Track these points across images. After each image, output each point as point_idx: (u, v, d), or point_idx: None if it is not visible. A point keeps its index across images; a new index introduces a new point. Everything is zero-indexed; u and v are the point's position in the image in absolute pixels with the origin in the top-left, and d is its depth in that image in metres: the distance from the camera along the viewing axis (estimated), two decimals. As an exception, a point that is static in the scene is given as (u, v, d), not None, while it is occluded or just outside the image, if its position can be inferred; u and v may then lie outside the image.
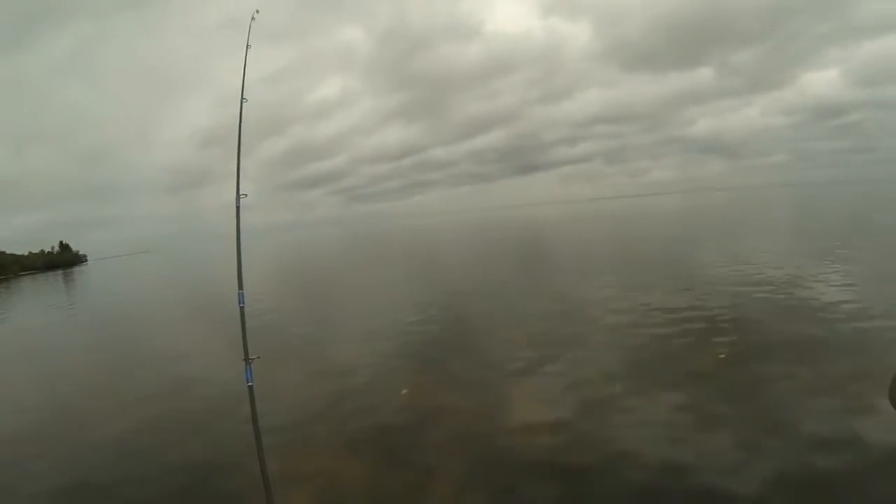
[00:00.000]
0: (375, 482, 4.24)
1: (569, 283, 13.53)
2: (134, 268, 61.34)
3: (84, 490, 4.62)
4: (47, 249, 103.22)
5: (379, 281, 18.22)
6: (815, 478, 3.63)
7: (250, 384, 2.68)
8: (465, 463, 4.38)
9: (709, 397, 5.18)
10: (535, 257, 22.32)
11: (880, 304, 7.91)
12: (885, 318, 7.20)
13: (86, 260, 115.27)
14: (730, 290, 10.01)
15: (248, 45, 3.71)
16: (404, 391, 6.21)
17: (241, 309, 2.80)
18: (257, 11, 3.91)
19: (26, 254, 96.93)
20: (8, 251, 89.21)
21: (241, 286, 2.80)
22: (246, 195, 2.95)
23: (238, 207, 2.93)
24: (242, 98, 3.27)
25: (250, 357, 2.70)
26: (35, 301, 29.56)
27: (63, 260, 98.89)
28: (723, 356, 6.29)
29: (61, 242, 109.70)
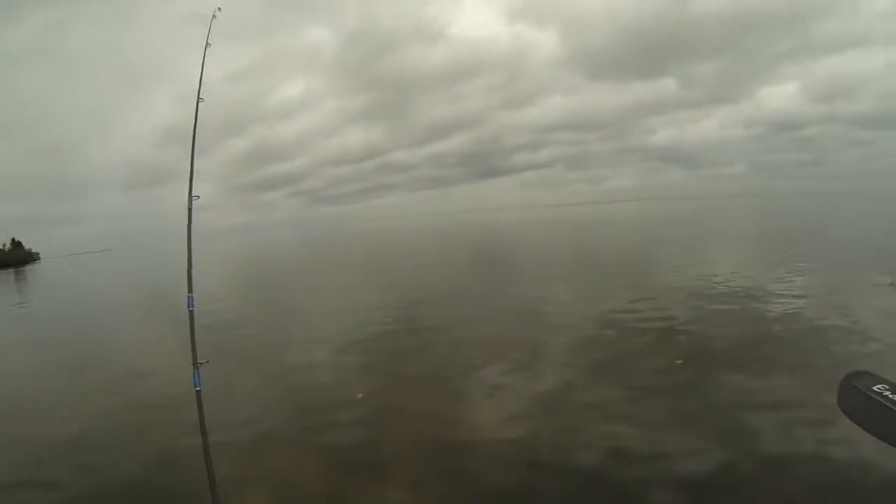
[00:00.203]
0: (330, 485, 4.21)
1: (527, 288, 13.74)
2: (91, 267, 58.90)
3: (22, 490, 4.47)
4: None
5: (337, 285, 18.14)
6: (763, 481, 3.74)
7: (198, 389, 2.63)
8: (421, 464, 4.41)
9: (664, 402, 5.33)
10: (494, 262, 22.57)
11: (831, 312, 8.27)
12: (835, 326, 7.52)
13: (39, 258, 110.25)
14: (687, 298, 10.34)
15: (207, 44, 3.63)
16: (360, 395, 6.19)
17: (191, 313, 2.74)
18: (219, 9, 3.83)
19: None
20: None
21: (190, 289, 2.75)
22: (198, 197, 2.90)
23: (190, 209, 2.87)
24: (199, 98, 3.22)
25: (199, 361, 2.65)
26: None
27: (14, 258, 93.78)
28: (679, 362, 6.51)
29: (13, 240, 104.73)
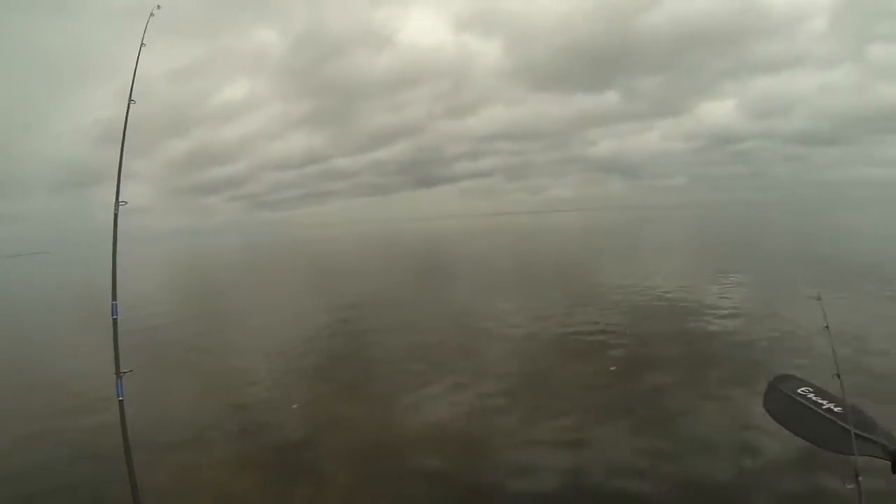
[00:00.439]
0: (265, 495, 4.16)
1: (466, 296, 13.98)
2: (22, 270, 54.58)
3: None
4: None
5: (275, 293, 17.81)
6: (696, 482, 3.97)
7: (121, 398, 2.56)
8: (357, 474, 4.45)
9: (598, 408, 5.56)
10: (433, 270, 22.73)
11: (760, 318, 8.85)
12: (764, 332, 8.00)
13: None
14: (623, 306, 10.84)
15: (142, 44, 3.53)
16: (295, 405, 6.13)
17: (115, 321, 2.67)
18: (158, 7, 3.72)
19: None
20: None
21: (114, 297, 2.67)
22: (126, 202, 2.82)
23: (116, 215, 2.79)
24: (130, 100, 3.12)
25: (122, 370, 2.59)
26: None
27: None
28: (614, 369, 6.79)
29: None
